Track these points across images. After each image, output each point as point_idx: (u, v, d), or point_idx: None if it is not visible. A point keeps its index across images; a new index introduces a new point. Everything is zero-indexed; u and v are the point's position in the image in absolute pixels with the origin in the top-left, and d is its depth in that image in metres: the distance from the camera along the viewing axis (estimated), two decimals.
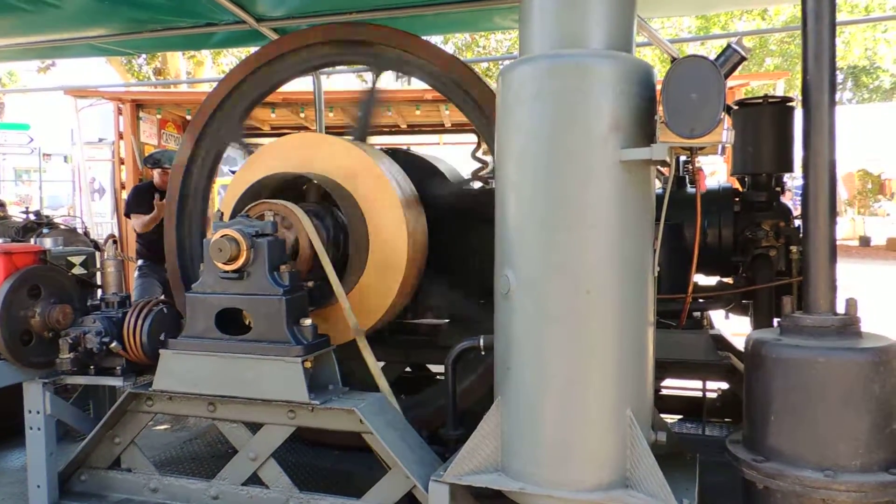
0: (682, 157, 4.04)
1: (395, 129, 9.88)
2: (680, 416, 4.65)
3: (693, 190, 3.94)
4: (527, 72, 2.56)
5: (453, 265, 4.10)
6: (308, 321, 3.09)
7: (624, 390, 2.50)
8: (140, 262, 5.95)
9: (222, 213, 3.36)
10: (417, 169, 4.12)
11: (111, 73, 16.01)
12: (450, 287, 4.02)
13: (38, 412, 3.44)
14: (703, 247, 3.63)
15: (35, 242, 3.97)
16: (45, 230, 4.38)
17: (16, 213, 5.01)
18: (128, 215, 6.07)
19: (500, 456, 2.64)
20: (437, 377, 4.95)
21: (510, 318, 2.59)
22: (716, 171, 8.35)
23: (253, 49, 4.98)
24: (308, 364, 3.02)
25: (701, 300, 4.03)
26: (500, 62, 14.34)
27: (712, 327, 4.38)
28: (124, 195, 7.88)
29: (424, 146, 10.80)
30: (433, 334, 4.31)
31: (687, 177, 4.18)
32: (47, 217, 4.70)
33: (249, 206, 3.49)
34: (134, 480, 3.41)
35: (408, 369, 5.04)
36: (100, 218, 9.95)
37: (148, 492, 3.37)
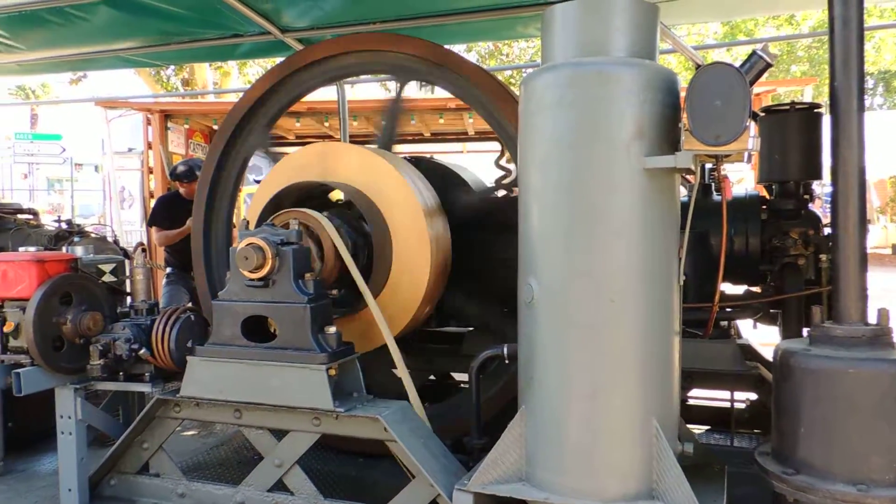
0: (708, 165, 4.00)
1: (418, 138, 9.92)
2: (707, 427, 4.59)
3: (719, 197, 3.89)
4: (549, 80, 2.56)
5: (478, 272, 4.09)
6: (332, 329, 3.12)
7: (649, 400, 2.48)
8: (168, 269, 6.02)
9: (248, 222, 3.40)
10: (440, 177, 4.13)
11: (140, 84, 16.29)
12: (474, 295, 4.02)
13: (69, 417, 3.50)
14: (729, 255, 3.59)
15: (67, 250, 4.05)
16: (76, 238, 4.48)
17: (48, 222, 5.12)
18: (151, 225, 6.11)
19: (524, 465, 2.63)
20: (462, 385, 4.95)
21: (534, 326, 2.59)
22: (742, 179, 8.23)
23: (278, 59, 5.03)
24: (332, 371, 3.04)
25: (728, 309, 3.98)
26: (522, 70, 14.35)
27: (740, 337, 4.31)
28: (153, 203, 8.01)
29: (448, 154, 10.82)
30: (457, 342, 4.31)
31: (713, 184, 4.14)
32: (78, 225, 4.81)
33: (275, 214, 3.53)
34: (162, 485, 3.46)
35: (431, 377, 5.04)
36: (129, 226, 10.11)
37: (176, 497, 3.41)
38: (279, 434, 3.26)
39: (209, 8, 4.67)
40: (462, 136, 9.99)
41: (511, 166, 4.16)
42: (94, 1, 4.52)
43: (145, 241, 8.58)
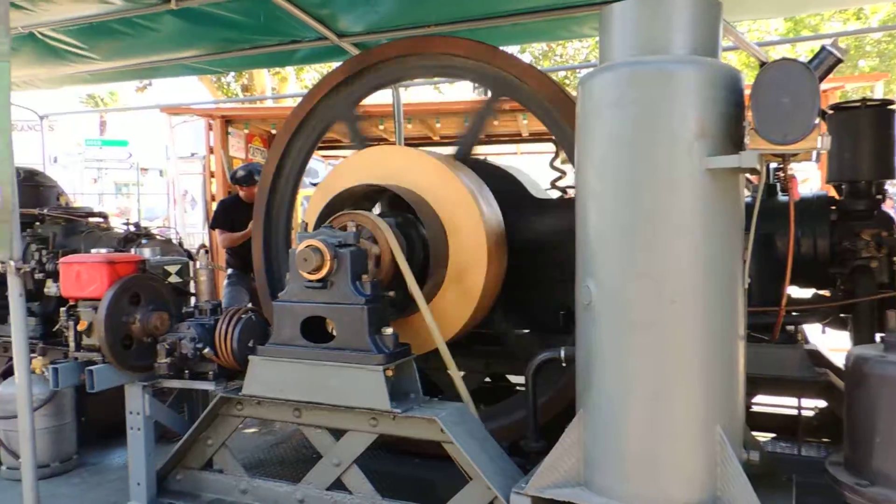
0: (773, 165, 3.88)
1: None
2: (773, 435, 4.44)
3: (785, 198, 3.77)
4: (608, 79, 2.53)
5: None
6: (389, 330, 3.14)
7: (712, 405, 2.41)
8: (229, 270, 6.18)
9: (307, 224, 3.46)
10: (496, 179, 4.13)
11: (202, 90, 16.80)
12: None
13: (138, 413, 3.63)
14: (797, 258, 3.47)
15: (134, 252, 4.20)
16: (143, 241, 4.64)
17: (117, 225, 5.32)
18: (213, 228, 6.28)
19: (582, 470, 2.60)
20: (517, 388, 4.92)
21: (592, 329, 2.55)
22: (808, 179, 7.95)
23: (335, 64, 5.12)
24: (389, 372, 3.06)
25: (795, 313, 3.84)
26: (578, 71, 14.21)
27: (806, 342, 4.16)
28: (214, 206, 8.25)
29: (502, 156, 10.79)
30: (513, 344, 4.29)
31: (778, 184, 4.00)
32: (145, 228, 4.98)
33: (332, 216, 3.58)
34: (225, 481, 3.55)
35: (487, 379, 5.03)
36: (192, 228, 10.43)
37: (238, 493, 3.49)
38: (337, 433, 3.31)
39: (269, 15, 4.79)
40: (516, 138, 9.93)
41: (566, 167, 4.13)
42: (160, 11, 4.69)
43: (207, 243, 8.85)
